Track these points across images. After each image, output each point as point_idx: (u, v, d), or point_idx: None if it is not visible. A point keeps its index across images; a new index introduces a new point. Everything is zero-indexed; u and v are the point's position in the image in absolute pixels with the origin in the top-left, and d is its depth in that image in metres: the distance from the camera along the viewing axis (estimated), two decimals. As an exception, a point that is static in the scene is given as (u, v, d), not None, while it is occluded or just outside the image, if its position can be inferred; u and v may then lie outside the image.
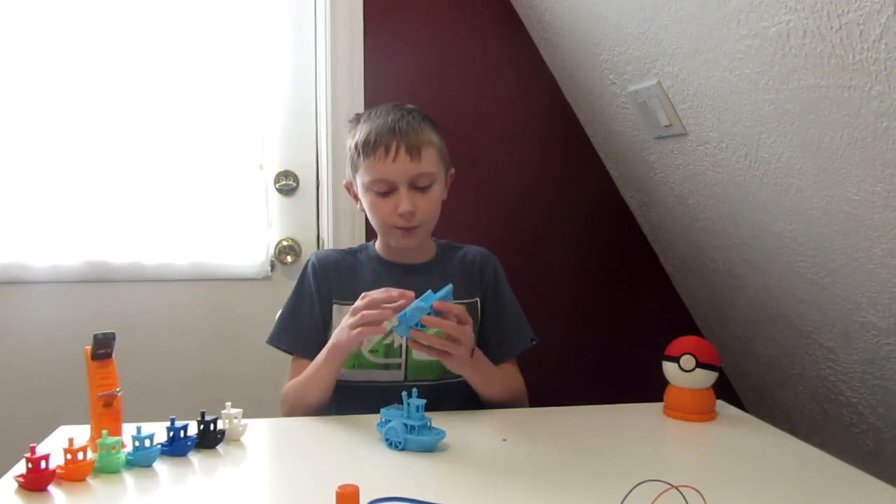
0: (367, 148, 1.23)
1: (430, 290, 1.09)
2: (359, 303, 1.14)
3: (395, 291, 1.12)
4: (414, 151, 1.22)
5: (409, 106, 1.30)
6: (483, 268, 1.36)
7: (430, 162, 1.25)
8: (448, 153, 1.32)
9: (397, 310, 1.10)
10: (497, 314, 1.34)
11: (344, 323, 1.16)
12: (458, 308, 1.12)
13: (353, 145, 1.28)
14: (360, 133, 1.26)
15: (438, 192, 1.28)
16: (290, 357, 1.33)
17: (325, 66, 1.80)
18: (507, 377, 1.30)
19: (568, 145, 1.91)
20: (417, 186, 1.24)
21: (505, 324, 1.34)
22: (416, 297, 1.11)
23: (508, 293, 1.37)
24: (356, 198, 1.33)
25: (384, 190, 1.24)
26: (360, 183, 1.28)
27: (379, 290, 1.13)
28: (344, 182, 1.37)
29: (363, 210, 1.32)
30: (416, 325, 1.08)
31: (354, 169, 1.29)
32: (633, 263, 1.97)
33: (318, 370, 1.20)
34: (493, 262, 1.38)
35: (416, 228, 1.26)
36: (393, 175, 1.22)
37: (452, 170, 1.35)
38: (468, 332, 1.13)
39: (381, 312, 1.10)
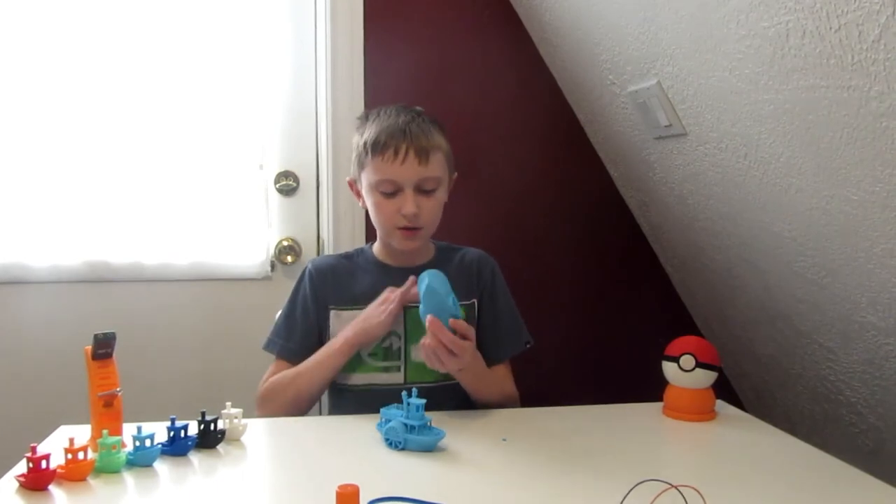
0: (377, 147, 1.22)
1: (431, 279, 1.15)
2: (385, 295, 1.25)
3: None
4: (423, 155, 1.22)
5: (418, 108, 1.31)
6: (481, 270, 1.36)
7: (437, 166, 1.25)
8: (453, 157, 1.33)
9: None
10: (493, 317, 1.34)
11: (373, 310, 1.24)
12: (464, 325, 1.14)
13: (360, 143, 1.27)
14: (370, 132, 1.25)
15: (442, 196, 1.29)
16: None
17: (325, 67, 1.80)
18: (500, 381, 1.31)
19: (568, 145, 1.91)
20: (423, 189, 1.24)
21: (500, 327, 1.34)
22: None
23: (505, 296, 1.37)
24: (358, 195, 1.33)
25: (390, 190, 1.24)
26: (365, 182, 1.28)
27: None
28: (347, 178, 1.36)
29: (365, 207, 1.32)
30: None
31: (360, 167, 1.28)
32: (633, 263, 1.97)
33: (329, 357, 1.23)
34: (490, 265, 1.38)
35: (419, 231, 1.26)
36: (400, 177, 1.22)
37: (455, 174, 1.35)
38: (468, 348, 1.14)
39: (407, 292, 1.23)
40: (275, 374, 1.28)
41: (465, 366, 1.15)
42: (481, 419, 1.19)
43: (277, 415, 1.23)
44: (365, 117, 1.31)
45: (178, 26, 1.78)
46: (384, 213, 1.26)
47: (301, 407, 1.25)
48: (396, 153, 1.21)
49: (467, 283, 1.34)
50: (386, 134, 1.22)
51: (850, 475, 0.96)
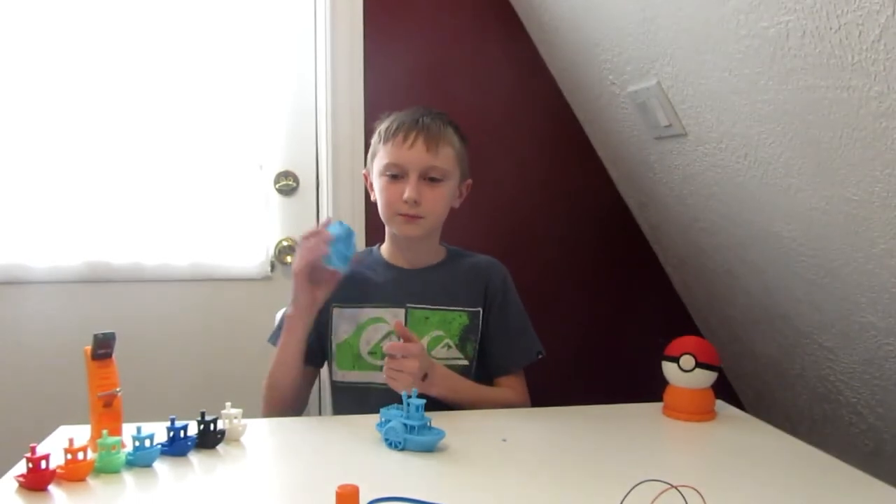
0: (388, 133, 1.28)
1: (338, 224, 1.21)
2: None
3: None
4: (431, 144, 1.26)
5: (437, 111, 1.34)
6: (491, 279, 1.35)
7: (445, 159, 1.28)
8: (468, 164, 1.35)
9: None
10: (503, 327, 1.33)
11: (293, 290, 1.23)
12: (414, 347, 1.15)
13: (376, 133, 1.33)
14: (385, 123, 1.31)
15: (448, 190, 1.30)
16: None
17: (325, 66, 1.80)
18: (499, 392, 1.30)
19: (568, 145, 1.91)
20: (428, 178, 1.26)
21: (510, 337, 1.33)
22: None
23: (516, 305, 1.36)
24: (371, 187, 1.36)
25: (395, 173, 1.27)
26: (375, 169, 1.31)
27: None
28: (363, 171, 1.40)
29: (376, 201, 1.34)
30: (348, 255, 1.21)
31: (373, 156, 1.33)
32: (633, 263, 1.97)
33: (282, 342, 1.24)
34: (502, 274, 1.37)
35: (420, 219, 1.27)
36: (406, 161, 1.25)
37: (469, 181, 1.36)
38: (410, 366, 1.13)
39: (316, 242, 1.20)
40: None
41: (409, 382, 1.12)
42: (481, 419, 1.19)
43: (276, 412, 1.25)
44: (386, 116, 1.35)
45: (177, 27, 1.78)
46: (387, 196, 1.28)
47: (287, 398, 1.26)
48: (405, 138, 1.26)
49: (474, 289, 1.33)
50: (398, 122, 1.28)
51: (850, 475, 0.96)
